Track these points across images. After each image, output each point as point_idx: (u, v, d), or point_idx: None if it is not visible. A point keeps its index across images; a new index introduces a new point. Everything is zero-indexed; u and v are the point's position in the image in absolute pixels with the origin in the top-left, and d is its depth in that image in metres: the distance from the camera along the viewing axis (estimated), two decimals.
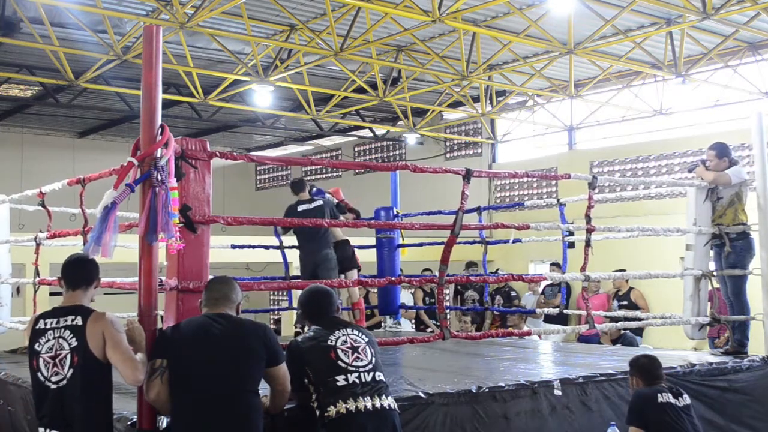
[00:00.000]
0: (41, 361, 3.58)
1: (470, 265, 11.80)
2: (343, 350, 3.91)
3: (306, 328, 4.35)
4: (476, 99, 14.58)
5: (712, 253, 6.60)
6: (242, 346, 3.66)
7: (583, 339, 9.58)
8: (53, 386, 3.55)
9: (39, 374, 3.59)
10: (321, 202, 7.80)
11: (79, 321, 3.57)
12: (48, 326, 3.62)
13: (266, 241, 8.83)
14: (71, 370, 3.53)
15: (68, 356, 3.53)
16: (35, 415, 3.69)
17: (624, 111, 13.67)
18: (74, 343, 3.54)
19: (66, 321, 3.59)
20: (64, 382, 3.53)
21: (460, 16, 9.69)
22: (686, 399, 4.76)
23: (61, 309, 3.68)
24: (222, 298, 3.76)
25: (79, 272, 3.77)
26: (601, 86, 13.60)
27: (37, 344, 3.61)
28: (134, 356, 3.56)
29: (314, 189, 8.11)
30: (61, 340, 3.56)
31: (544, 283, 11.26)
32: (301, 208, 7.76)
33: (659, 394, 4.68)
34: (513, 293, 12.14)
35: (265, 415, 3.75)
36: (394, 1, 9.39)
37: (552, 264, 11.30)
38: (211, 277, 4.07)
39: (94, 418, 3.58)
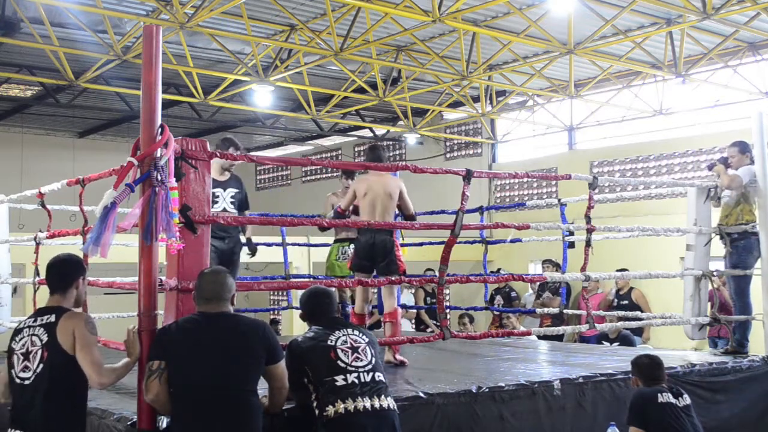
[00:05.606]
0: (15, 358, 3.65)
1: (547, 261, 11.12)
2: (343, 350, 3.91)
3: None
4: (476, 99, 14.57)
5: (723, 251, 6.56)
6: (241, 346, 3.65)
7: (583, 339, 9.58)
8: (23, 382, 3.59)
9: (13, 371, 3.65)
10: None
11: (52, 318, 3.62)
12: (25, 325, 3.70)
13: (266, 241, 8.82)
14: (41, 365, 3.55)
15: (39, 352, 3.57)
16: (10, 413, 3.70)
17: (624, 111, 13.67)
18: (45, 338, 3.58)
19: (42, 320, 3.65)
20: (33, 377, 3.56)
21: (460, 16, 9.69)
22: (686, 399, 4.77)
23: (42, 310, 3.75)
24: (214, 299, 3.73)
25: (55, 277, 3.81)
26: (601, 86, 13.59)
27: (14, 342, 3.69)
28: (100, 361, 3.57)
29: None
30: (34, 337, 3.61)
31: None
32: None
33: (660, 394, 4.68)
34: (513, 294, 12.11)
35: (263, 414, 3.75)
36: (394, 1, 9.39)
37: (544, 261, 11.06)
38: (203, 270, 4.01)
39: (60, 416, 3.56)
